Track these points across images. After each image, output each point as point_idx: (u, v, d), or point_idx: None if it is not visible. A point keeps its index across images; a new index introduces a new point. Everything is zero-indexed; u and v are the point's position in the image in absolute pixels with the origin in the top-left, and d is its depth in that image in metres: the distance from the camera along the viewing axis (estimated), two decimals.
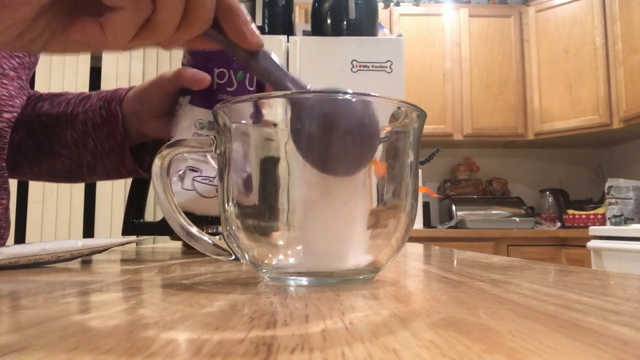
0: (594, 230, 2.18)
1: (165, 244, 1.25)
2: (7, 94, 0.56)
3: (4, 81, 0.56)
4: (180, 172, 0.51)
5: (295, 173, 0.30)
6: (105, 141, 0.60)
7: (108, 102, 0.60)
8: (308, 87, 0.37)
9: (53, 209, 2.59)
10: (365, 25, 1.97)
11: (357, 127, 0.29)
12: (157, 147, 0.59)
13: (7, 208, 0.59)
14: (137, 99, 0.59)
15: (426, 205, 2.81)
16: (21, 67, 0.58)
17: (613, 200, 2.40)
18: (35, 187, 2.61)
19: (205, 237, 0.33)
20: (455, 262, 0.49)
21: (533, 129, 2.77)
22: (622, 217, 2.32)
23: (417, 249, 0.81)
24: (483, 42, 2.83)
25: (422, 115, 0.32)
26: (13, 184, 2.59)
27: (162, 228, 0.73)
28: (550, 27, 2.77)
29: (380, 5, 2.74)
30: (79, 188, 2.62)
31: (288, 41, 1.93)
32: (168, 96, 0.57)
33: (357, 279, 0.31)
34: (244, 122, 0.31)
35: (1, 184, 0.57)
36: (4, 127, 0.55)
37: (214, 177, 0.50)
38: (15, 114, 0.57)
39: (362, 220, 0.30)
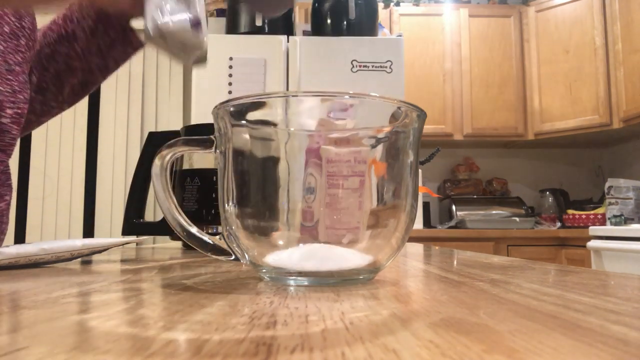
0: (594, 230, 2.18)
1: (165, 244, 1.25)
2: (10, 90, 0.56)
3: (9, 77, 0.56)
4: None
5: (295, 173, 0.30)
6: (106, 36, 0.61)
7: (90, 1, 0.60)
8: None
9: (53, 209, 2.59)
10: (365, 25, 1.97)
11: None
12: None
13: (9, 204, 0.59)
14: None
15: (426, 205, 2.81)
16: (24, 62, 0.59)
17: (613, 200, 2.40)
18: (36, 187, 2.61)
19: (205, 237, 0.33)
20: (455, 262, 0.49)
21: (533, 129, 2.77)
22: (622, 217, 2.32)
23: (417, 249, 0.81)
24: (483, 42, 2.83)
25: (422, 115, 0.32)
26: (13, 183, 2.59)
27: (162, 228, 0.73)
28: (550, 27, 2.77)
29: (380, 5, 2.74)
30: (79, 188, 2.62)
31: (288, 41, 1.93)
32: None
33: (357, 279, 0.31)
34: (243, 122, 0.31)
35: (5, 180, 0.57)
36: (8, 122, 0.55)
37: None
38: (18, 110, 0.57)
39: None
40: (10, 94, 0.56)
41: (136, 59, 2.66)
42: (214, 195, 0.68)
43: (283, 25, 1.98)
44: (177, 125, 2.68)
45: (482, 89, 2.80)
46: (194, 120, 1.88)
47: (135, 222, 0.75)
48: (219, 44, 1.87)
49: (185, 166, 0.71)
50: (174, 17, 0.41)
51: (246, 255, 0.31)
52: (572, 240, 2.35)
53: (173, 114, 2.72)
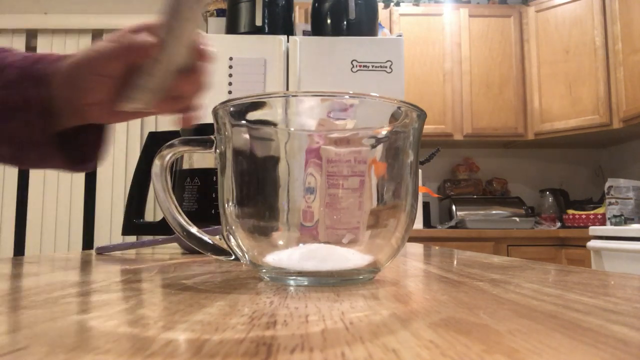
0: (594, 230, 2.18)
1: (166, 244, 1.24)
2: None
3: None
4: None
5: (295, 173, 0.30)
6: (24, 129, 0.46)
7: (28, 78, 0.46)
8: None
9: (53, 209, 2.59)
10: (365, 25, 1.97)
11: None
12: (97, 133, 0.51)
13: None
14: (69, 85, 0.46)
15: (426, 205, 2.81)
16: None
17: (613, 200, 2.40)
18: (36, 187, 2.61)
19: (205, 237, 0.33)
20: (455, 262, 0.49)
21: (533, 129, 2.77)
22: (622, 217, 2.31)
23: (417, 249, 0.81)
24: (483, 42, 2.83)
25: (422, 115, 0.32)
26: (13, 183, 2.59)
27: (162, 228, 0.73)
28: (550, 27, 2.77)
29: (380, 5, 2.74)
30: (79, 188, 2.62)
31: (288, 41, 1.93)
32: (112, 80, 0.45)
33: (357, 279, 0.31)
34: (243, 122, 0.31)
35: None
36: None
37: None
38: None
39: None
40: None
41: None
42: (214, 195, 0.68)
43: (283, 25, 1.98)
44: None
45: (482, 89, 2.80)
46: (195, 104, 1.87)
47: (135, 222, 0.75)
48: (219, 44, 1.87)
49: (185, 166, 0.71)
50: None
51: (246, 255, 0.31)
52: (572, 240, 2.35)
53: None
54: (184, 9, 0.40)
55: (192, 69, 0.46)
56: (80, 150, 0.52)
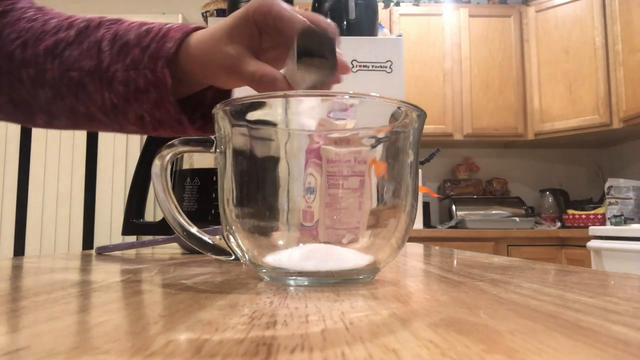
0: (594, 230, 2.18)
1: (166, 244, 1.24)
2: None
3: None
4: None
5: (295, 173, 0.30)
6: (155, 111, 0.46)
7: (154, 58, 0.44)
8: None
9: (53, 209, 2.59)
10: (365, 25, 1.97)
11: None
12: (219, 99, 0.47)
13: None
14: (199, 64, 0.44)
15: (426, 205, 2.81)
16: None
17: (613, 200, 2.40)
18: (36, 187, 2.61)
19: (205, 237, 0.33)
20: (455, 262, 0.49)
21: (533, 129, 2.77)
22: (622, 217, 2.31)
23: (417, 249, 0.81)
24: (483, 42, 2.83)
25: (422, 115, 0.32)
26: (13, 183, 2.59)
27: (162, 228, 0.73)
28: (550, 27, 2.77)
29: (380, 5, 2.74)
30: (79, 188, 2.62)
31: None
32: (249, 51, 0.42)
33: (357, 279, 0.31)
34: (243, 122, 0.31)
35: None
36: None
37: None
38: None
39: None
40: None
41: None
42: (214, 195, 0.68)
43: None
44: None
45: (482, 89, 2.80)
46: None
47: (135, 222, 0.75)
48: None
49: (185, 166, 0.71)
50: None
51: (246, 255, 0.31)
52: (572, 240, 2.35)
53: None
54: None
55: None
56: (206, 112, 0.51)
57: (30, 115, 0.50)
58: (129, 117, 0.47)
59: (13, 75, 0.47)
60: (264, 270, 0.31)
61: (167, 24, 0.46)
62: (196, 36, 0.44)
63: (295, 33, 0.39)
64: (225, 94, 0.50)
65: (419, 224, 2.49)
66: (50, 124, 0.50)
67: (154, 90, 0.44)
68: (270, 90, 0.40)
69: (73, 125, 0.50)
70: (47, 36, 0.47)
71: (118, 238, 2.53)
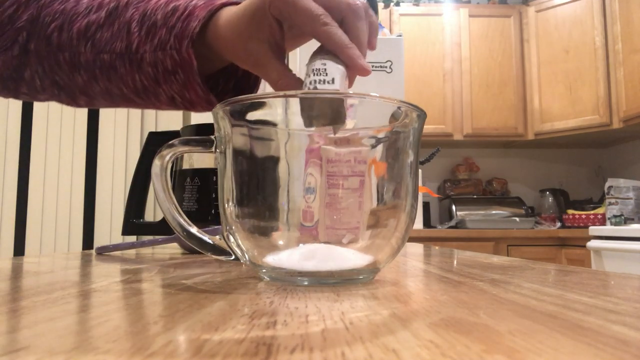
0: (593, 230, 2.18)
1: (166, 244, 1.24)
2: None
3: None
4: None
5: (295, 173, 0.30)
6: (184, 92, 0.45)
7: (179, 38, 0.43)
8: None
9: (53, 208, 2.59)
10: None
11: None
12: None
13: None
14: (226, 48, 0.43)
15: (426, 205, 2.81)
16: None
17: (613, 200, 2.40)
18: (36, 187, 2.61)
19: (205, 237, 0.33)
20: (455, 262, 0.49)
21: (533, 129, 2.77)
22: (622, 217, 2.32)
23: (417, 249, 0.81)
24: (483, 42, 2.83)
25: (422, 115, 0.32)
26: (13, 183, 2.59)
27: (162, 228, 0.73)
28: (550, 27, 2.77)
29: (380, 5, 2.74)
30: (79, 188, 2.62)
31: None
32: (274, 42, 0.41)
33: (357, 279, 0.31)
34: (243, 122, 0.31)
35: None
36: None
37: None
38: None
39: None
40: None
41: None
42: (214, 195, 0.68)
43: None
44: (177, 125, 2.67)
45: (482, 88, 2.80)
46: (194, 120, 1.87)
47: (135, 222, 0.75)
48: None
49: (185, 166, 0.71)
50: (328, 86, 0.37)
51: (246, 255, 0.31)
52: (572, 240, 2.35)
53: (173, 114, 2.71)
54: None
55: None
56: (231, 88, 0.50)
57: (72, 96, 0.50)
58: (160, 98, 0.47)
59: (52, 59, 0.47)
60: (264, 270, 0.31)
61: (192, 0, 0.45)
62: (224, 16, 0.43)
63: (313, 32, 0.37)
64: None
65: (419, 224, 2.49)
66: (91, 104, 0.51)
67: (181, 72, 0.44)
68: None
69: (111, 104, 0.51)
70: (79, 18, 0.47)
71: (118, 238, 2.53)
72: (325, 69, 0.35)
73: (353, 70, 0.37)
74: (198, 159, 0.70)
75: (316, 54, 0.38)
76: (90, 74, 0.47)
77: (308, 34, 0.41)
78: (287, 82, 0.40)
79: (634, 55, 2.38)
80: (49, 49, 0.47)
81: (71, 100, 0.51)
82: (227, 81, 0.50)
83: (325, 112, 0.30)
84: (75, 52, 0.46)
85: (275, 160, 0.31)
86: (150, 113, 2.70)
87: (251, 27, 0.41)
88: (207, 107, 0.47)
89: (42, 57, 0.47)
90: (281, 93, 0.32)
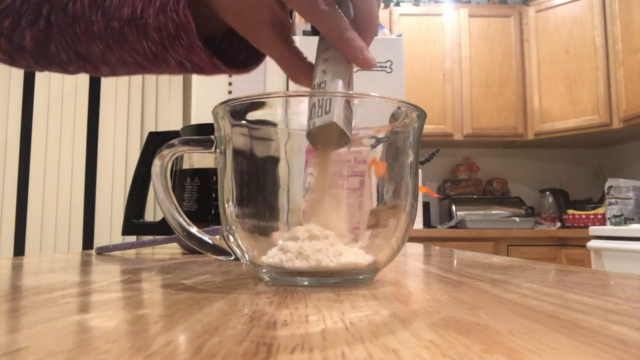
0: (594, 230, 2.18)
1: (166, 244, 1.24)
2: None
3: None
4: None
5: (295, 173, 0.30)
6: (191, 56, 0.44)
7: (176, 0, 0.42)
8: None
9: (53, 208, 2.59)
10: None
11: None
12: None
13: None
14: (231, 9, 0.41)
15: (426, 205, 2.81)
16: None
17: (613, 200, 2.40)
18: (36, 187, 2.61)
19: (205, 237, 0.33)
20: (455, 262, 0.49)
21: (533, 129, 2.77)
22: (622, 217, 2.31)
23: (417, 249, 0.81)
24: (483, 42, 2.83)
25: (422, 115, 0.32)
26: (13, 182, 2.59)
27: (162, 228, 0.73)
28: (550, 27, 2.77)
29: (380, 5, 2.74)
30: (79, 188, 2.62)
31: None
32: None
33: (357, 279, 0.31)
34: (243, 122, 0.31)
35: None
36: None
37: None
38: None
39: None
40: None
41: None
42: (214, 195, 0.68)
43: None
44: (177, 125, 2.68)
45: (482, 89, 2.80)
46: (194, 120, 1.87)
47: (135, 222, 0.75)
48: None
49: (185, 166, 0.71)
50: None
51: (246, 255, 0.31)
52: (572, 240, 2.35)
53: (173, 114, 2.72)
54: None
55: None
56: (237, 52, 0.49)
57: (95, 66, 0.50)
58: (170, 64, 0.46)
59: (70, 30, 0.47)
60: (264, 270, 0.31)
61: None
62: None
63: (310, 20, 0.36)
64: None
65: (419, 224, 2.49)
66: (113, 73, 0.51)
67: (184, 35, 0.42)
68: (293, 74, 0.39)
69: (131, 72, 0.50)
70: None
71: (118, 238, 2.53)
72: (325, 99, 0.32)
73: (355, 64, 0.35)
74: (198, 159, 0.70)
75: (321, 44, 0.36)
76: (105, 43, 0.46)
77: (306, 21, 0.40)
78: (290, 68, 0.39)
79: (634, 55, 2.38)
80: (66, 20, 0.47)
81: (96, 70, 0.51)
82: (240, 40, 0.47)
83: (332, 138, 0.30)
84: (89, 21, 0.46)
85: (275, 160, 0.31)
86: (150, 113, 2.70)
87: (249, 5, 0.40)
88: (215, 70, 0.46)
89: (62, 29, 0.47)
90: (281, 93, 0.32)
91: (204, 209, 0.68)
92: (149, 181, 0.75)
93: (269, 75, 1.88)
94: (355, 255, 0.30)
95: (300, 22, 2.34)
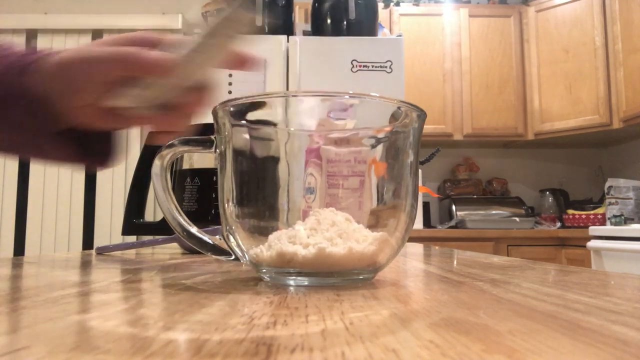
0: (593, 230, 2.18)
1: (166, 244, 1.24)
2: None
3: None
4: None
5: (295, 173, 0.30)
6: (27, 117, 0.43)
7: (13, 67, 0.42)
8: None
9: (53, 209, 2.59)
10: (365, 25, 1.97)
11: None
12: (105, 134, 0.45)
13: None
14: (58, 80, 0.41)
15: (426, 205, 2.81)
16: None
17: (613, 200, 2.40)
18: (36, 187, 2.61)
19: (205, 237, 0.33)
20: (455, 262, 0.49)
21: (533, 129, 2.77)
22: (622, 217, 2.31)
23: (417, 249, 0.81)
24: (483, 42, 2.83)
25: (422, 115, 0.32)
26: (13, 182, 2.59)
27: (162, 228, 0.73)
28: (550, 27, 2.77)
29: (380, 5, 2.74)
30: (79, 188, 2.62)
31: (288, 41, 1.93)
32: (105, 85, 0.39)
33: (357, 279, 0.31)
34: (243, 122, 0.31)
35: None
36: None
37: None
38: None
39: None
40: None
41: None
42: (214, 195, 0.68)
43: (283, 26, 1.98)
44: None
45: (482, 89, 2.80)
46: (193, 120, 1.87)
47: (135, 222, 0.75)
48: None
49: (185, 166, 0.71)
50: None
51: (246, 255, 0.31)
52: (572, 240, 2.35)
53: None
54: (218, 35, 0.35)
55: (203, 86, 0.40)
56: (92, 145, 0.48)
57: None
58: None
59: None
60: (264, 270, 0.31)
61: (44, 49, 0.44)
62: (59, 55, 0.42)
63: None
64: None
65: (419, 224, 2.49)
66: None
67: (22, 97, 0.43)
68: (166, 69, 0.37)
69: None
70: None
71: (118, 238, 2.53)
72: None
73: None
74: (198, 159, 0.70)
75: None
76: None
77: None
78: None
79: (634, 55, 2.38)
80: None
81: None
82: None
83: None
84: None
85: (275, 160, 0.31)
86: None
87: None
88: (56, 138, 0.45)
89: None
90: (281, 93, 0.32)
91: (204, 209, 0.68)
92: (149, 181, 0.75)
93: (269, 75, 1.88)
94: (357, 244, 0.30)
95: (300, 22, 2.34)
